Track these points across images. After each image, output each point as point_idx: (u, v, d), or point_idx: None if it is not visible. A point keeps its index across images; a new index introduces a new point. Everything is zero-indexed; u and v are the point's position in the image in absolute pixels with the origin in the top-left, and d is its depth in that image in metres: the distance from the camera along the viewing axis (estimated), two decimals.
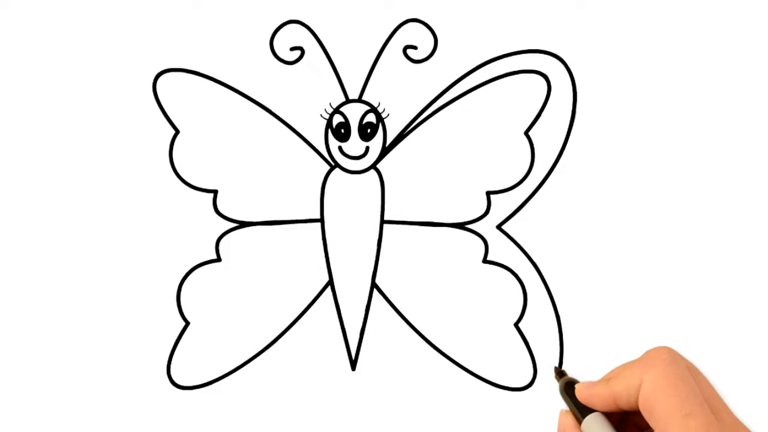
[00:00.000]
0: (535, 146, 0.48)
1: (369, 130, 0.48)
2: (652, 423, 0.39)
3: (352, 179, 0.48)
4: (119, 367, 0.47)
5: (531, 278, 0.48)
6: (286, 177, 0.48)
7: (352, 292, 0.48)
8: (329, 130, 0.48)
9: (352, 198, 0.48)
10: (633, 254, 0.47)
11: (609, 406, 0.42)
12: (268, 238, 0.48)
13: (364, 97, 0.48)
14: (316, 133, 0.48)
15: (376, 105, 0.48)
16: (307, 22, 0.48)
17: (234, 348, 0.48)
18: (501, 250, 0.48)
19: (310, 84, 0.48)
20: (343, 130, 0.48)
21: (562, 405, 0.44)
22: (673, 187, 0.47)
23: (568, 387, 0.44)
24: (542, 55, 0.48)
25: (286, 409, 0.47)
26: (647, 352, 0.41)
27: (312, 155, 0.48)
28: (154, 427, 0.47)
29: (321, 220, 0.48)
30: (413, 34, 0.48)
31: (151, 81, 0.48)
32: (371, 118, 0.48)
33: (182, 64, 0.48)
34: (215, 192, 0.48)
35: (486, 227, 0.48)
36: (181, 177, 0.48)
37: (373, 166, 0.48)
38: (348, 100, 0.48)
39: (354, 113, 0.48)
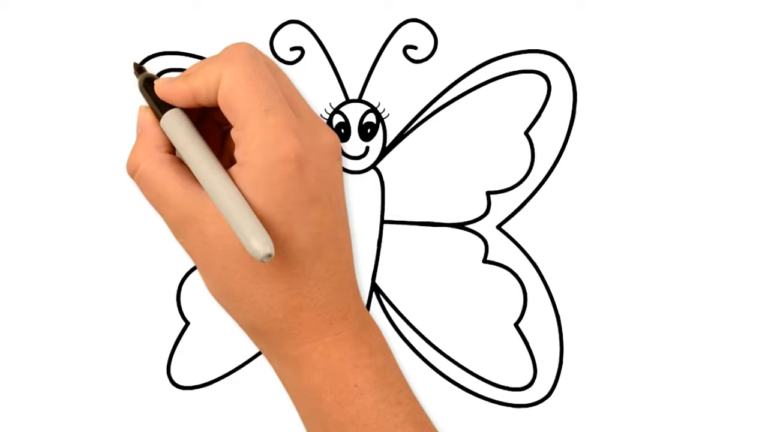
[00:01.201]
0: (535, 146, 0.48)
1: (369, 130, 0.48)
2: (231, 119, 0.39)
3: (352, 179, 0.48)
4: (119, 367, 0.47)
5: (531, 278, 0.48)
6: None
7: None
8: None
9: (352, 198, 0.48)
10: (633, 254, 0.47)
11: (188, 102, 0.41)
12: None
13: (364, 97, 0.48)
14: None
15: (376, 105, 0.48)
16: (307, 22, 0.48)
17: (234, 348, 0.48)
18: (501, 250, 0.48)
19: (310, 84, 0.48)
20: (343, 130, 0.48)
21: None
22: (674, 187, 0.47)
23: (147, 83, 0.43)
24: (542, 55, 0.48)
25: (286, 409, 0.47)
26: (227, 48, 0.40)
27: None
28: (154, 427, 0.47)
29: None
30: (413, 34, 0.48)
31: None
32: (371, 118, 0.48)
33: (182, 64, 0.48)
34: None
35: (486, 227, 0.48)
36: None
37: (373, 166, 0.48)
38: (348, 100, 0.48)
39: (354, 113, 0.48)
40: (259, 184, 0.37)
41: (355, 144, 0.48)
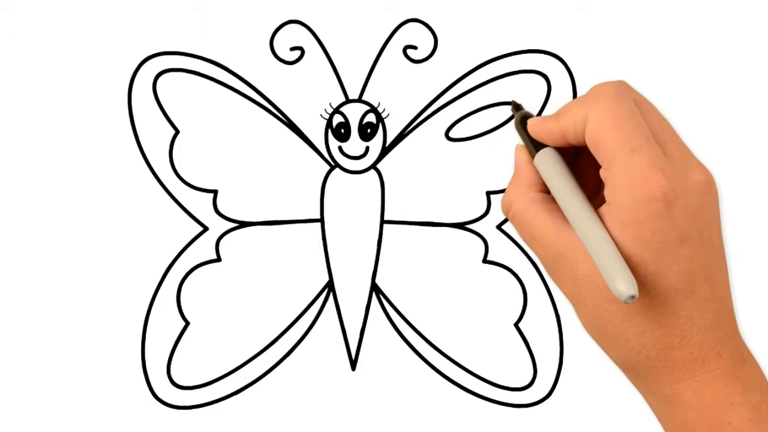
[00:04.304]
0: None
1: (369, 130, 0.48)
2: (599, 159, 0.39)
3: (352, 179, 0.48)
4: (119, 367, 0.47)
5: (531, 278, 0.48)
6: (286, 177, 0.48)
7: (352, 292, 0.48)
8: (329, 130, 0.48)
9: (352, 198, 0.48)
10: None
11: (558, 141, 0.41)
12: (268, 238, 0.48)
13: (364, 97, 0.48)
14: (316, 133, 0.48)
15: (376, 105, 0.48)
16: (307, 22, 0.48)
17: (234, 348, 0.48)
18: (501, 250, 0.48)
19: (310, 84, 0.48)
20: (343, 130, 0.48)
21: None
22: None
23: (523, 121, 0.43)
24: (542, 55, 0.48)
25: (286, 409, 0.47)
26: (594, 87, 0.40)
27: (312, 155, 0.48)
28: (155, 428, 0.47)
29: (321, 220, 0.48)
30: (413, 34, 0.48)
31: (151, 81, 0.48)
32: (371, 118, 0.48)
33: (182, 64, 0.48)
34: (215, 192, 0.48)
35: (486, 227, 0.48)
36: (181, 177, 0.48)
37: (373, 166, 0.48)
38: (348, 100, 0.48)
39: (354, 113, 0.48)
40: (626, 224, 0.37)
41: (355, 144, 0.48)
